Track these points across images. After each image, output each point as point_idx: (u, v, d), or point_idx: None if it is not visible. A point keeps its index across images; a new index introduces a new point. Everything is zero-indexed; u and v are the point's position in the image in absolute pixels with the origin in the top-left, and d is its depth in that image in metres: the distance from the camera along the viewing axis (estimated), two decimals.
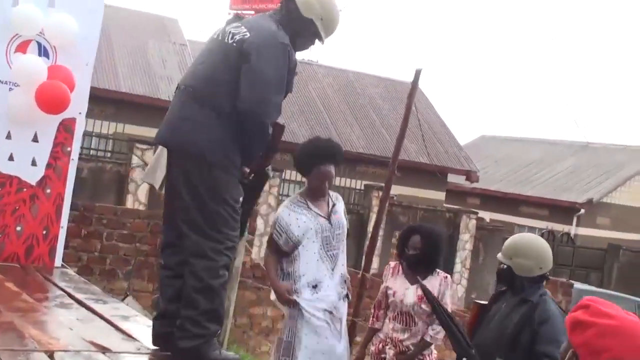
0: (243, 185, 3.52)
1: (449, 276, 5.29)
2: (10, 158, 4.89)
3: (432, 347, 5.20)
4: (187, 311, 3.36)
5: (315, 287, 4.69)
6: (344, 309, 4.84)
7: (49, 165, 4.98)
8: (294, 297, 4.68)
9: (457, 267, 15.78)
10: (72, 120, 5.05)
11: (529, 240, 4.10)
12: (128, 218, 11.78)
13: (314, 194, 4.81)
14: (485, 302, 4.26)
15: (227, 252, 3.42)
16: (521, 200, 26.37)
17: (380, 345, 5.20)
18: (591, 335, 2.03)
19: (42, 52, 4.90)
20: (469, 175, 23.11)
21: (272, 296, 4.89)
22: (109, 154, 14.81)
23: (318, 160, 4.73)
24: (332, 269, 4.76)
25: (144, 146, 12.99)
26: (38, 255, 4.98)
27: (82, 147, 13.75)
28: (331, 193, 4.94)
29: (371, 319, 5.40)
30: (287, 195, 14.99)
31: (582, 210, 24.67)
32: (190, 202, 3.39)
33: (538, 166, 28.68)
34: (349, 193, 16.02)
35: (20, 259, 4.91)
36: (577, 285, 16.08)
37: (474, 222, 16.32)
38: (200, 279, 3.34)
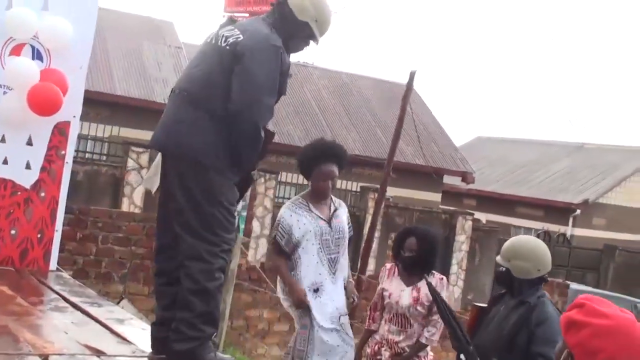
0: None
1: (444, 278, 5.31)
2: (5, 161, 4.88)
3: (428, 348, 5.20)
4: (182, 313, 3.36)
5: (316, 290, 4.70)
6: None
7: (43, 169, 4.98)
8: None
9: (454, 268, 15.76)
10: (67, 124, 5.04)
11: (527, 243, 4.12)
12: (123, 221, 11.79)
13: (317, 195, 4.82)
14: (485, 305, 4.28)
15: (222, 254, 3.42)
16: (517, 201, 26.39)
17: (376, 347, 5.20)
18: (586, 336, 2.00)
19: (36, 55, 4.90)
20: (465, 176, 23.13)
21: (280, 294, 4.88)
22: (104, 157, 14.78)
23: (319, 160, 4.74)
24: (334, 273, 4.76)
25: (140, 149, 12.96)
26: (33, 258, 4.97)
27: (77, 151, 13.86)
28: (334, 198, 4.95)
29: (367, 320, 5.40)
30: (283, 198, 14.99)
31: (578, 211, 24.69)
32: (186, 205, 3.39)
33: (534, 167, 28.70)
34: (345, 195, 16.00)
35: (14, 263, 4.90)
36: (573, 285, 16.11)
37: (470, 223, 16.31)
38: (196, 281, 3.34)
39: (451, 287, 15.00)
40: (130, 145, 13.22)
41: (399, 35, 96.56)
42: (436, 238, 5.39)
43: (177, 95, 3.51)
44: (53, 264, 5.08)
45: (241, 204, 4.91)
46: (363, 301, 9.69)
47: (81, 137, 14.20)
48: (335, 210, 4.86)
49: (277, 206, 13.86)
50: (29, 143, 4.93)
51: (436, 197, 22.34)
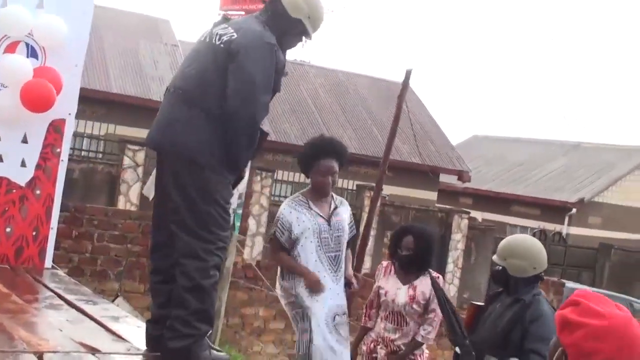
0: None
1: (440, 276, 5.31)
2: (0, 159, 4.87)
3: (424, 347, 5.21)
4: (177, 311, 3.35)
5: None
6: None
7: (38, 167, 4.96)
8: (292, 299, 4.68)
9: (450, 266, 15.79)
10: (62, 121, 5.03)
11: (523, 241, 4.15)
12: (119, 219, 11.78)
13: (317, 192, 4.80)
14: (482, 304, 4.30)
15: (218, 252, 3.42)
16: (513, 199, 26.42)
17: (372, 345, 5.21)
18: (580, 337, 1.94)
19: (31, 53, 4.88)
20: (461, 175, 23.15)
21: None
22: (100, 155, 14.77)
23: (318, 156, 4.73)
24: (336, 271, 4.73)
25: (136, 147, 12.96)
26: (28, 256, 4.95)
27: (73, 149, 13.84)
28: (335, 196, 4.93)
29: (363, 318, 5.41)
30: (279, 196, 14.98)
31: (574, 210, 24.73)
32: (181, 203, 3.39)
33: (530, 166, 28.73)
34: (341, 193, 15.99)
35: (9, 260, 4.88)
36: (569, 284, 16.13)
37: (466, 221, 16.33)
38: (191, 278, 3.33)
39: (447, 285, 15.01)
40: (127, 143, 13.21)
41: (395, 33, 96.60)
42: (433, 237, 5.40)
43: (172, 93, 3.51)
44: (48, 262, 5.07)
45: (237, 201, 4.90)
46: (359, 299, 9.71)
47: (77, 135, 14.19)
48: (336, 208, 4.84)
49: (273, 204, 13.86)
50: (24, 141, 4.92)
51: (432, 195, 22.36)
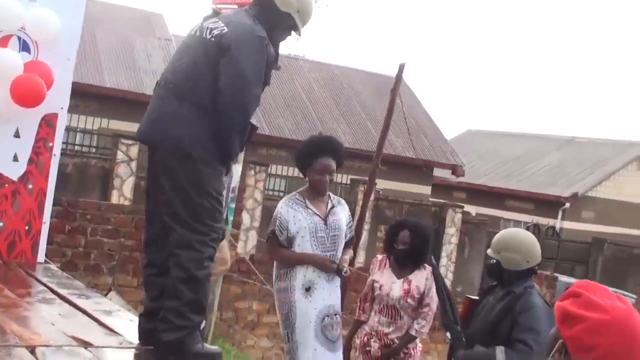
0: None
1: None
2: None
3: (417, 340, 5.22)
4: (170, 302, 3.36)
5: (308, 289, 4.68)
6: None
7: (30, 161, 4.94)
8: (286, 310, 4.69)
9: (443, 260, 15.80)
10: (54, 116, 5.01)
11: (517, 235, 4.20)
12: (112, 213, 11.76)
13: (314, 190, 4.80)
14: (477, 297, 4.34)
15: (212, 243, 3.44)
16: (507, 194, 26.46)
17: (366, 338, 5.22)
18: (580, 331, 1.91)
19: (23, 47, 4.86)
20: (455, 169, 23.18)
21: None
22: (93, 150, 14.75)
23: (315, 154, 4.73)
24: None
25: (129, 141, 12.93)
26: (20, 251, 4.94)
27: (66, 143, 13.82)
28: (333, 196, 4.93)
29: (357, 311, 5.42)
30: (273, 190, 14.97)
31: (567, 204, 24.78)
32: (174, 196, 3.40)
33: (524, 160, 28.77)
34: (335, 187, 16.01)
35: (2, 255, 4.87)
36: (562, 278, 16.15)
37: (459, 216, 16.35)
38: (185, 269, 3.34)
39: None
40: (120, 137, 13.18)
41: (390, 27, 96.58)
42: (428, 231, 5.41)
43: (163, 87, 3.52)
44: (41, 256, 5.05)
45: (230, 195, 4.89)
46: (352, 293, 9.72)
47: (70, 130, 14.18)
48: (333, 207, 4.84)
49: (267, 198, 13.86)
50: (16, 135, 4.90)
51: (426, 189, 22.39)
